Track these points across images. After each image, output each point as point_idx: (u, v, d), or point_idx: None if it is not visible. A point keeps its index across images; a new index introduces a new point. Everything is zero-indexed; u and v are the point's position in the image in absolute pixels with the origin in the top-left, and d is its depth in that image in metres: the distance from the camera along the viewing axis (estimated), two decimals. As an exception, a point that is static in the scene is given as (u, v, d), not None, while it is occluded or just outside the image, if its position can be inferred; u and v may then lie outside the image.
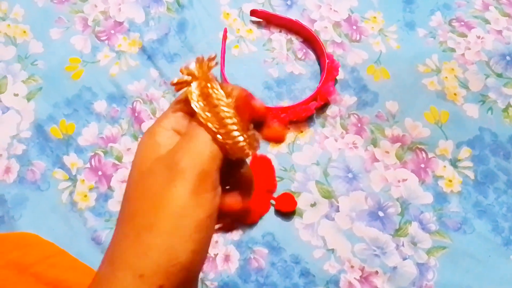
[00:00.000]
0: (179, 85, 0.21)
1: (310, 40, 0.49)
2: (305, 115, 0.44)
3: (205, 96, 0.20)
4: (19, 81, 0.47)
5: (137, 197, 0.19)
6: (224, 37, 0.49)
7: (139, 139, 0.44)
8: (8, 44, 0.49)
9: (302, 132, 0.45)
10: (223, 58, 0.48)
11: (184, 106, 0.21)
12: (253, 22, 0.51)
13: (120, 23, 0.51)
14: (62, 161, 0.44)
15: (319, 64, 0.48)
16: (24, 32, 0.50)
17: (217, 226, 0.21)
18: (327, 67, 0.46)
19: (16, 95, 0.46)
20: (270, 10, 0.51)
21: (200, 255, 0.19)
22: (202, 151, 0.19)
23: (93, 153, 0.44)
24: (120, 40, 0.50)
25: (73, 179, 0.43)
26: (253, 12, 0.50)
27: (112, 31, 0.50)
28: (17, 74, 0.47)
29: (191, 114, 0.21)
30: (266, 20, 0.51)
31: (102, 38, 0.50)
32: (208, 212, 0.19)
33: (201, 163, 0.19)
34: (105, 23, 0.50)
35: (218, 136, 0.20)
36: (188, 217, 0.18)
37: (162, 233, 0.18)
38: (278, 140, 0.27)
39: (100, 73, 0.48)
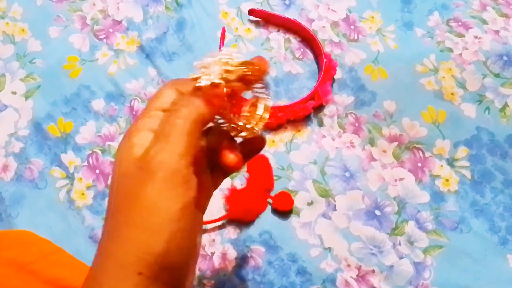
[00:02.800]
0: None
1: (308, 39, 0.49)
2: (302, 114, 0.44)
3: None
4: (17, 79, 0.47)
5: (117, 197, 0.21)
6: (223, 36, 0.49)
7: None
8: (6, 42, 0.49)
9: (299, 131, 0.45)
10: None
11: (162, 103, 0.23)
12: (251, 21, 0.51)
13: (119, 22, 0.51)
14: (60, 159, 0.44)
15: (317, 63, 0.49)
16: (23, 30, 0.50)
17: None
18: (325, 66, 0.46)
19: (14, 93, 0.46)
20: (269, 9, 0.51)
21: (176, 244, 0.20)
22: (172, 149, 0.21)
23: (91, 151, 0.44)
24: (118, 38, 0.50)
25: (70, 177, 0.43)
26: (251, 12, 0.50)
27: (111, 30, 0.50)
28: (15, 72, 0.47)
29: (165, 111, 0.23)
30: (264, 19, 0.51)
31: (100, 37, 0.50)
32: (180, 204, 0.20)
33: (169, 161, 0.20)
34: (104, 21, 0.51)
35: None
36: (159, 212, 0.20)
37: (137, 228, 0.20)
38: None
39: (99, 72, 0.48)
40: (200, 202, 0.24)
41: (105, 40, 0.50)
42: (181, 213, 0.20)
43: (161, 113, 0.23)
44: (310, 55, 0.49)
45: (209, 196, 0.26)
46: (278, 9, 0.51)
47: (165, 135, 0.21)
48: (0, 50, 0.48)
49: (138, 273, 0.20)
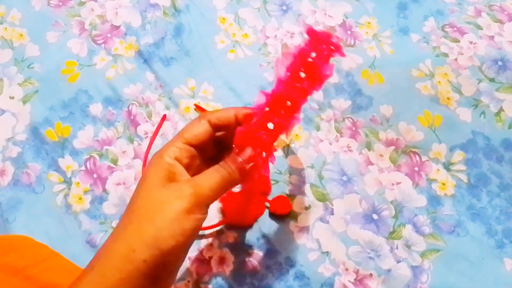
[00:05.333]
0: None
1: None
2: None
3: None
4: (15, 84, 0.47)
5: (147, 198, 0.27)
6: (160, 123, 0.45)
7: (134, 142, 0.45)
8: (4, 47, 0.49)
9: (297, 135, 0.45)
10: (151, 143, 0.44)
11: (191, 137, 0.30)
12: (249, 26, 0.51)
13: (117, 27, 0.51)
14: (57, 164, 0.44)
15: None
16: (21, 35, 0.50)
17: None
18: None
19: (12, 98, 0.46)
20: (266, 15, 0.52)
21: (177, 250, 0.26)
22: (204, 190, 0.27)
23: (88, 156, 0.44)
24: (116, 43, 0.50)
25: (68, 181, 0.43)
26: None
27: (109, 35, 0.50)
28: (13, 77, 0.48)
29: (194, 146, 0.30)
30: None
31: (98, 42, 0.50)
32: (193, 226, 0.26)
33: (201, 196, 0.27)
34: (102, 27, 0.51)
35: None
36: (178, 224, 0.25)
37: (156, 227, 0.25)
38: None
39: (97, 76, 0.48)
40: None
41: (103, 45, 0.50)
42: (189, 232, 0.26)
43: (188, 146, 0.29)
44: (307, 60, 0.49)
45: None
46: (275, 15, 0.52)
47: (205, 177, 0.28)
48: (-2, 55, 0.48)
49: (143, 259, 0.24)
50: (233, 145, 0.29)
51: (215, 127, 0.30)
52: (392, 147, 0.45)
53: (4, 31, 0.50)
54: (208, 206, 0.27)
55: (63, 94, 0.47)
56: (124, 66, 0.49)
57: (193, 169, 0.30)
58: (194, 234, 0.26)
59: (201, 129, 0.30)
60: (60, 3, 0.52)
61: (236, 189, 0.42)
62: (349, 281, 0.39)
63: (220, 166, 0.28)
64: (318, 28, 0.51)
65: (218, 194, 0.28)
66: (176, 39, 0.50)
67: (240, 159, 0.28)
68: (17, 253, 0.36)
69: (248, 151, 0.28)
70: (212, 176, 0.27)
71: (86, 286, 0.24)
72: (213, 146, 0.32)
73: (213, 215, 0.41)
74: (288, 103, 0.30)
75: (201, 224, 0.27)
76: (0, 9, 0.51)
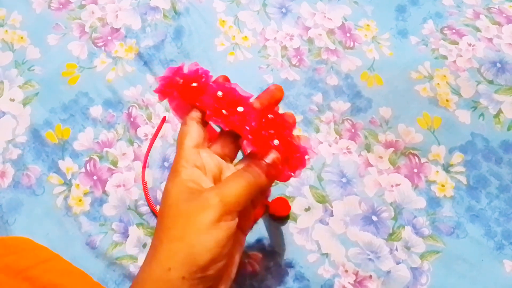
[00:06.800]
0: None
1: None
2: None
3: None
4: (16, 86, 0.47)
5: (174, 216, 0.26)
6: (160, 125, 0.45)
7: (134, 144, 0.45)
8: (5, 50, 0.49)
9: (296, 137, 0.45)
10: (150, 145, 0.44)
11: (193, 141, 0.29)
12: (249, 29, 0.52)
13: (117, 30, 0.51)
14: (58, 166, 0.44)
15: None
16: (22, 38, 0.50)
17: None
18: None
19: (12, 100, 0.47)
20: (266, 18, 0.52)
21: (215, 263, 0.25)
22: (230, 197, 0.26)
23: (88, 158, 0.44)
24: (116, 46, 0.50)
25: (68, 183, 0.43)
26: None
27: (109, 38, 0.51)
28: (14, 79, 0.48)
29: (197, 147, 0.29)
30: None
31: (99, 44, 0.50)
32: (225, 234, 0.25)
33: (228, 204, 0.26)
34: (102, 29, 0.51)
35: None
36: (210, 236, 0.25)
37: (188, 244, 0.25)
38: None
39: (97, 79, 0.48)
40: (238, 234, 0.29)
41: (103, 48, 0.50)
42: (224, 241, 0.25)
43: (200, 150, 0.29)
44: (306, 62, 0.50)
45: (249, 217, 0.31)
46: (275, 18, 0.52)
47: (229, 183, 0.27)
48: (-1, 58, 0.49)
49: (182, 277, 0.24)
50: (250, 147, 0.28)
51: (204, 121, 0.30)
52: (392, 149, 0.45)
53: (4, 33, 0.50)
54: (237, 212, 0.26)
55: (64, 96, 0.47)
56: (124, 68, 0.49)
57: (213, 171, 0.29)
58: (229, 241, 0.26)
59: (195, 129, 0.29)
60: (61, 6, 0.52)
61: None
62: (348, 282, 0.39)
63: (244, 171, 0.27)
64: (317, 30, 0.51)
65: (245, 200, 0.27)
66: (176, 42, 0.51)
67: (265, 162, 0.27)
68: (17, 255, 0.36)
69: (273, 155, 0.28)
70: (237, 182, 0.27)
71: None
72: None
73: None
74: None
75: (234, 230, 0.26)
76: (1, 12, 0.52)
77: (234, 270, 0.29)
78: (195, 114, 0.30)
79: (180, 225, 0.25)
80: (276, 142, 0.28)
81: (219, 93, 0.30)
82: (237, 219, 0.26)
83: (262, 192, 0.29)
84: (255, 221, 0.41)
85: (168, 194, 0.27)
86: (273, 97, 0.31)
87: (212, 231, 0.25)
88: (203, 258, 0.24)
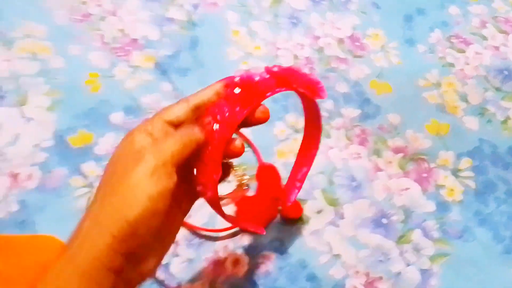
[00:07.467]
0: None
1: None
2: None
3: None
4: (41, 94, 0.50)
5: (111, 173, 0.26)
6: None
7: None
8: (32, 60, 0.52)
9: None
10: None
11: (165, 115, 0.28)
12: (261, 39, 0.54)
13: (136, 40, 0.54)
14: (80, 169, 0.46)
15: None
16: (47, 48, 0.53)
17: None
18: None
19: (38, 107, 0.49)
20: (276, 28, 0.54)
21: (145, 218, 0.24)
22: (165, 150, 0.25)
23: (109, 162, 0.46)
24: (135, 56, 0.53)
25: (90, 186, 0.45)
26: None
27: (128, 48, 0.53)
28: (40, 87, 0.50)
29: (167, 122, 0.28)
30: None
31: (118, 54, 0.53)
32: (158, 190, 0.24)
33: (160, 158, 0.25)
34: (122, 40, 0.54)
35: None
36: (141, 189, 0.24)
37: (119, 198, 0.24)
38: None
39: (117, 87, 0.50)
40: (181, 202, 0.29)
41: (123, 57, 0.53)
42: (157, 196, 0.24)
43: (164, 123, 0.27)
44: (317, 70, 0.51)
45: (190, 203, 0.30)
46: (286, 28, 0.54)
47: (162, 140, 0.26)
48: (26, 67, 0.51)
49: (111, 232, 0.23)
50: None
51: (196, 107, 0.29)
52: (401, 154, 0.46)
53: (31, 44, 0.53)
54: (173, 168, 0.25)
55: (86, 103, 0.49)
56: (143, 77, 0.51)
57: None
58: (162, 199, 0.24)
59: (180, 107, 0.28)
60: (82, 18, 0.55)
61: (250, 193, 0.44)
62: (359, 283, 0.40)
63: (180, 128, 0.27)
64: (326, 40, 0.53)
65: (180, 153, 0.26)
66: (191, 51, 0.53)
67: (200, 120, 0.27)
68: (45, 252, 0.38)
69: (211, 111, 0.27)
70: (171, 137, 0.26)
71: (59, 269, 0.24)
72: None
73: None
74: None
75: (169, 188, 0.25)
76: (27, 24, 0.55)
77: (166, 247, 0.28)
78: (193, 100, 0.29)
79: (115, 181, 0.25)
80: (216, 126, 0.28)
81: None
82: (175, 179, 0.25)
83: (199, 150, 0.28)
84: (267, 223, 0.42)
85: (113, 153, 0.27)
86: (258, 120, 0.30)
87: (145, 185, 0.24)
88: (133, 211, 0.23)
